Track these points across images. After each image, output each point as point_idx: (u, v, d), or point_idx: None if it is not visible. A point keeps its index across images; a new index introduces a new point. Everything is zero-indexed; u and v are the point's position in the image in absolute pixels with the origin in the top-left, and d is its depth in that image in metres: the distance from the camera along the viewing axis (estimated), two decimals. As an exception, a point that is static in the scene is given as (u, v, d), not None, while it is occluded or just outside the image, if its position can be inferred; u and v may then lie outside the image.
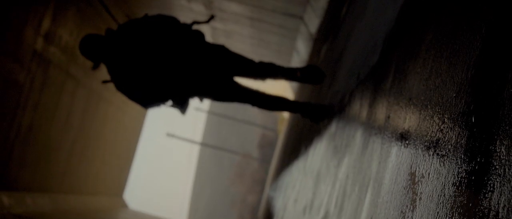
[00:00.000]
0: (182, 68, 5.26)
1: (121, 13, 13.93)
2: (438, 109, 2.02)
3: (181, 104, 5.36)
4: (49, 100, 11.43)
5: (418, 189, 2.01)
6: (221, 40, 15.21)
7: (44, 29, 10.38)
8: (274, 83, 20.35)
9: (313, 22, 11.65)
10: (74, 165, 14.15)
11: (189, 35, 5.28)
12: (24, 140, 10.70)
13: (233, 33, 14.50)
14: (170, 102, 5.40)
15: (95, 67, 5.42)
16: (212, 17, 5.65)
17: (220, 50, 5.43)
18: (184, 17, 13.84)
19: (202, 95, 5.45)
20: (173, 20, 5.31)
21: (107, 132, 16.35)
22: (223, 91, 5.45)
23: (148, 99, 5.34)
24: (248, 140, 38.57)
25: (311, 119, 5.76)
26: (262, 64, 5.63)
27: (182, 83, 5.31)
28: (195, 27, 4.96)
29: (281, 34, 13.92)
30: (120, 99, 16.72)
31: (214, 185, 44.17)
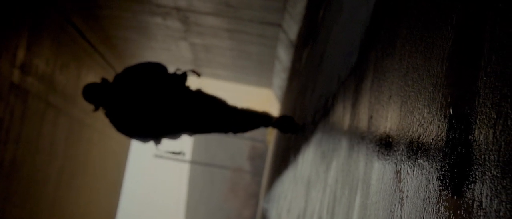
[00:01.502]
0: (168, 110, 6.27)
1: (97, 38, 13.92)
2: (417, 104, 2.04)
3: (173, 139, 6.46)
4: (30, 132, 11.39)
5: (404, 186, 2.02)
6: (200, 55, 15.22)
7: (19, 60, 10.36)
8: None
9: (292, 28, 11.68)
10: (62, 195, 14.10)
11: (173, 82, 6.29)
12: (8, 175, 10.66)
13: (212, 47, 14.52)
14: (163, 138, 6.43)
15: (96, 109, 6.49)
16: (197, 73, 6.65)
17: (197, 95, 6.46)
18: (161, 35, 13.85)
19: (187, 132, 6.48)
20: (161, 69, 6.31)
21: (93, 158, 16.30)
22: (203, 127, 6.51)
23: (144, 136, 6.41)
24: (238, 153, 38.50)
25: (284, 128, 6.81)
26: (235, 108, 6.66)
27: (170, 123, 6.31)
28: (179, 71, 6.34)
29: (261, 43, 13.95)
30: (104, 124, 16.68)
31: (208, 202, 44.07)
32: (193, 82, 6.94)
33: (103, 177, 17.91)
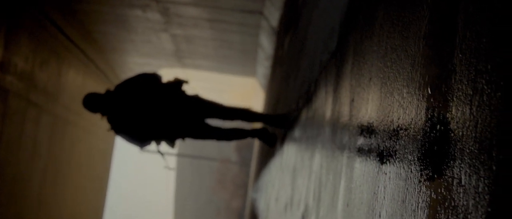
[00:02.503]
0: (165, 116, 6.84)
1: (76, 33, 13.86)
2: (396, 85, 2.05)
3: (169, 143, 7.04)
4: (12, 131, 11.35)
5: (386, 168, 2.04)
6: (182, 46, 15.19)
7: (-2, 59, 10.31)
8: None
9: (274, 15, 11.68)
10: (48, 194, 14.06)
11: (169, 90, 6.89)
12: (-8, 176, 10.61)
13: (193, 38, 14.49)
14: (158, 143, 7.02)
15: (101, 116, 7.01)
16: (186, 82, 7.16)
17: (194, 100, 6.98)
18: (142, 28, 13.82)
19: (183, 136, 7.01)
20: (156, 79, 6.93)
21: (78, 156, 16.26)
22: (198, 132, 7.04)
23: (142, 141, 6.96)
24: (225, 144, 38.51)
25: (265, 139, 7.57)
26: (229, 108, 7.16)
27: (166, 128, 6.89)
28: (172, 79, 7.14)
29: (242, 32, 13.93)
30: (88, 121, 16.64)
31: (196, 195, 44.07)
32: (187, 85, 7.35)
33: (89, 174, 17.87)
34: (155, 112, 6.82)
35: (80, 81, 15.28)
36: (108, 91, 6.89)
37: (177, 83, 6.96)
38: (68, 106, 14.59)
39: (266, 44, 13.71)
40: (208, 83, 20.01)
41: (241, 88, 20.34)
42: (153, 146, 7.17)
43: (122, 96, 6.83)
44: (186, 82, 7.12)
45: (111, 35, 14.75)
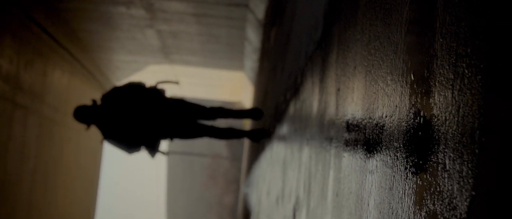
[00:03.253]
0: (151, 120, 7.29)
1: (60, 33, 13.82)
2: (380, 73, 2.06)
3: (153, 148, 7.48)
4: (0, 134, 11.31)
5: (373, 157, 2.05)
6: (168, 42, 15.17)
7: (-19, 61, 10.27)
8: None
9: (259, 7, 11.67)
10: (38, 196, 14.03)
11: (154, 96, 7.38)
12: (-20, 180, 10.58)
13: (179, 33, 14.47)
14: (145, 147, 7.44)
15: (88, 127, 7.50)
16: (175, 82, 7.93)
17: (179, 102, 7.43)
18: (126, 25, 13.78)
19: (170, 137, 7.46)
20: (141, 87, 7.42)
21: (67, 156, 16.23)
22: (185, 133, 7.49)
23: (131, 146, 7.41)
24: (216, 140, 38.40)
25: (255, 139, 8.10)
26: (212, 108, 7.57)
27: (153, 131, 7.35)
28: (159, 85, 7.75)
29: (229, 26, 13.92)
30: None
31: (188, 192, 44.04)
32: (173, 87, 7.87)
33: (79, 174, 17.85)
34: (141, 118, 7.27)
35: (66, 81, 15.24)
36: (94, 102, 7.36)
37: (160, 89, 7.48)
38: (55, 106, 14.56)
39: (253, 37, 13.71)
40: (196, 79, 19.99)
41: (229, 83, 20.34)
42: (142, 150, 7.63)
43: (109, 105, 7.27)
44: (176, 83, 7.76)
45: (96, 33, 14.71)
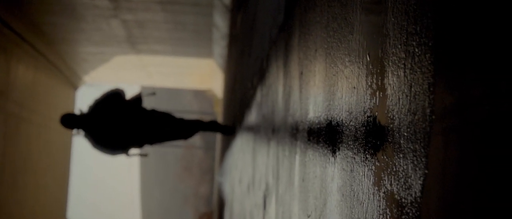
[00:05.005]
0: (129, 128, 8.38)
1: (23, 26, 13.70)
2: (339, 54, 2.08)
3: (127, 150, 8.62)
4: (-36, 133, 11.22)
5: (335, 139, 2.07)
6: (134, 32, 15.10)
7: None
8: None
9: (226, -7, 11.66)
10: (6, 196, 13.94)
11: (131, 105, 8.44)
12: None
13: (145, 22, 14.41)
14: (125, 150, 8.55)
15: (75, 133, 8.65)
16: (153, 94, 8.97)
17: (152, 112, 8.56)
18: (91, 16, 13.69)
19: (149, 142, 8.69)
20: (119, 96, 8.47)
21: (35, 153, 16.13)
22: (158, 138, 8.68)
23: (114, 149, 8.50)
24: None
25: (223, 132, 9.42)
26: (182, 119, 8.84)
27: (131, 137, 8.42)
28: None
29: (196, 12, 13.88)
30: (43, 116, 16.50)
31: (163, 184, 43.95)
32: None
33: (50, 170, 17.75)
34: (122, 126, 8.36)
35: (31, 76, 15.13)
36: (82, 112, 8.47)
37: (138, 98, 8.53)
38: (21, 103, 14.46)
39: (221, 23, 13.69)
40: (165, 68, 19.94)
41: (199, 71, 20.30)
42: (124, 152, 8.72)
43: (95, 115, 8.38)
44: (154, 94, 8.86)
45: (59, 25, 14.61)
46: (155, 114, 8.66)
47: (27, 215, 15.64)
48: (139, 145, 8.64)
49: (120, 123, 8.36)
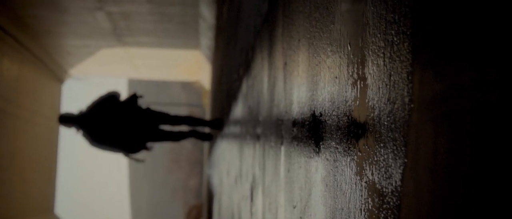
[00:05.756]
0: (125, 127, 8.82)
1: (6, 19, 13.65)
2: (321, 44, 2.09)
3: (130, 151, 9.03)
4: None
5: (318, 129, 2.08)
6: (119, 24, 15.06)
7: None
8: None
9: (211, -17, 11.64)
10: (-7, 192, 13.91)
11: (127, 105, 8.89)
12: None
13: (131, 14, 14.38)
14: (123, 149, 8.98)
15: (76, 131, 8.98)
16: (140, 96, 9.18)
17: (147, 111, 9.03)
18: (75, 8, 13.66)
19: (144, 141, 9.01)
20: (114, 98, 8.92)
21: (21, 147, 16.09)
22: (152, 138, 9.10)
23: (111, 147, 8.89)
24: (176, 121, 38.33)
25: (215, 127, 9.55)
26: (176, 116, 9.30)
27: (127, 136, 8.84)
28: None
29: (182, 3, 13.85)
30: (29, 111, 16.45)
31: (152, 178, 43.91)
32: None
33: (37, 165, 17.72)
34: (119, 123, 8.78)
35: (16, 71, 15.08)
36: (81, 112, 8.90)
37: (132, 98, 8.95)
38: (6, 97, 14.41)
39: (207, 14, 13.68)
40: (152, 60, 19.90)
41: (186, 63, 20.28)
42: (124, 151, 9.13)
43: (93, 116, 8.81)
44: (141, 96, 9.15)
45: (43, 18, 14.56)
46: (150, 112, 9.10)
47: (14, 211, 15.62)
48: (135, 142, 9.00)
49: (117, 121, 8.80)
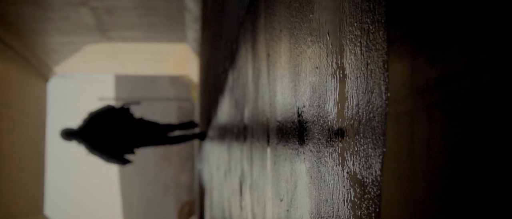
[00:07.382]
0: (121, 136, 9.58)
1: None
2: (301, 34, 2.09)
3: (123, 159, 9.79)
4: None
5: (302, 120, 2.09)
6: (104, 19, 15.03)
7: None
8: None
9: (196, -25, 11.62)
10: (-20, 194, 13.88)
11: (122, 115, 9.66)
12: None
13: (115, 8, 14.35)
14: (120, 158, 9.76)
15: (77, 143, 9.68)
16: (136, 103, 10.13)
17: (140, 120, 9.81)
18: (58, 4, 13.62)
19: (138, 146, 9.84)
20: (110, 109, 9.70)
21: (7, 148, 16.06)
22: (147, 143, 10.03)
23: (109, 157, 9.66)
24: (166, 116, 38.35)
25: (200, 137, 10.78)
26: (168, 124, 10.28)
27: (124, 144, 9.62)
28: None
29: (166, -4, 13.84)
30: (16, 111, 16.41)
31: (143, 175, 43.87)
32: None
33: (24, 166, 17.68)
34: (115, 134, 9.52)
35: (0, 70, 15.04)
36: (80, 127, 9.57)
37: (126, 108, 9.66)
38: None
39: (192, 6, 13.66)
40: (138, 55, 19.87)
41: (173, 56, 20.25)
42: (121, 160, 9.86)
43: (91, 128, 9.51)
44: (138, 103, 10.01)
45: (26, 16, 14.51)
46: (142, 122, 9.90)
47: (1, 213, 15.59)
48: (130, 149, 9.72)
49: (113, 130, 9.57)
